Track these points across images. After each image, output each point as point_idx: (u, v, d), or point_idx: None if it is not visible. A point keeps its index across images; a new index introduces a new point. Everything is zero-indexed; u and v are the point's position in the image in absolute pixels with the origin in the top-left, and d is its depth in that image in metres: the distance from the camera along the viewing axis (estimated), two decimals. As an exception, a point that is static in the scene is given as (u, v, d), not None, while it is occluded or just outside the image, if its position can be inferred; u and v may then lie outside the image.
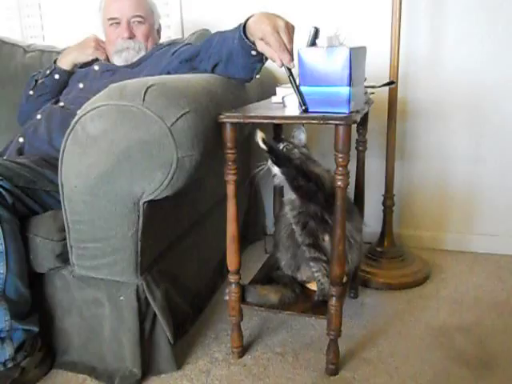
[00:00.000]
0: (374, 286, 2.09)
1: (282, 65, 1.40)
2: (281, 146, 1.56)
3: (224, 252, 1.58)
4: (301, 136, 1.59)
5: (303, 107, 1.34)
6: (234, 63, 1.56)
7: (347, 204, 1.43)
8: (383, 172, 2.17)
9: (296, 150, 1.54)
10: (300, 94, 1.34)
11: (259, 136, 1.42)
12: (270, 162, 1.49)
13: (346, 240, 1.52)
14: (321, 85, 1.34)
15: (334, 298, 1.48)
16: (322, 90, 1.34)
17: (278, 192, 1.88)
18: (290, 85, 1.38)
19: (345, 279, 1.62)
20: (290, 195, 1.58)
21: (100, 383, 1.53)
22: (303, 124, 1.84)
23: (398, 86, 2.05)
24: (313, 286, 1.66)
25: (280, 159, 1.46)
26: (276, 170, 1.50)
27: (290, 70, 1.39)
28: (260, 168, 1.56)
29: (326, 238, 1.56)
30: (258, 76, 1.60)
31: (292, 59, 1.40)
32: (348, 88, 1.32)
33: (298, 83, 1.35)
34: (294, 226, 1.59)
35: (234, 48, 1.51)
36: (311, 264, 1.60)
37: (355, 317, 1.88)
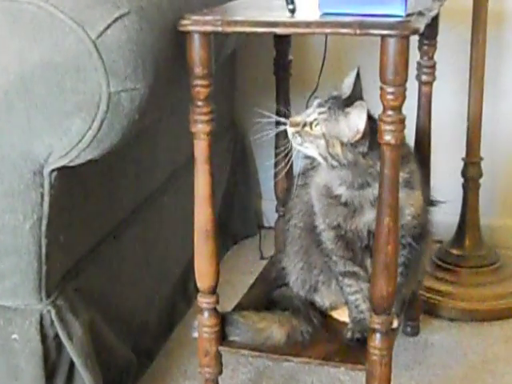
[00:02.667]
0: (446, 315, 2.10)
1: None
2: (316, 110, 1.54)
3: (190, 257, 1.58)
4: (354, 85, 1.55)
5: (289, 6, 1.36)
6: None
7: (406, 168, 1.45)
8: (463, 119, 2.16)
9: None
10: None
11: None
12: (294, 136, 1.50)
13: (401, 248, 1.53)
14: (357, -33, 1.33)
15: (377, 336, 1.49)
16: (360, -23, 1.33)
17: (284, 154, 1.88)
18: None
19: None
20: (320, 176, 1.59)
21: None
22: (326, 37, 1.83)
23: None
24: (341, 316, 1.67)
25: None
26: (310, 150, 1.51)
27: None
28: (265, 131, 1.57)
29: (369, 262, 1.59)
30: None
31: None
32: (404, -28, 1.31)
33: None
34: (319, 221, 1.60)
35: None
36: (345, 281, 1.62)
37: (415, 367, 1.89)
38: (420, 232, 1.61)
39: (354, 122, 1.47)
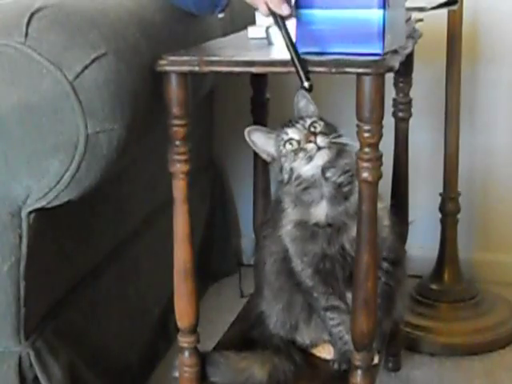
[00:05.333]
0: (426, 350, 2.10)
1: (269, 12, 1.39)
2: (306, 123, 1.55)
3: (170, 297, 1.57)
4: (307, 106, 1.59)
5: (304, 84, 1.32)
6: None
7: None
8: (440, 155, 2.17)
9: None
10: (298, 61, 1.32)
11: None
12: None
13: (380, 272, 1.54)
14: (334, 7, 1.33)
15: (359, 372, 1.48)
16: (336, 16, 1.33)
17: (262, 191, 1.88)
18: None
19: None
20: (291, 218, 1.58)
21: None
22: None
23: (465, 6, 2.07)
24: (322, 352, 1.67)
25: None
26: (309, 169, 1.50)
27: (282, 19, 1.38)
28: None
29: (350, 295, 1.58)
30: (221, 15, 1.60)
31: (287, 1, 1.39)
32: (381, 11, 1.31)
33: (294, 43, 1.34)
34: (296, 262, 1.60)
35: None
36: (328, 314, 1.62)
37: (396, 403, 1.89)
38: (396, 258, 1.62)
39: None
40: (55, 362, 1.51)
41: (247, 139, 1.58)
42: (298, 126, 1.54)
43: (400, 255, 1.67)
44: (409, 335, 2.09)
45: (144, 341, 1.99)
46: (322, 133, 1.50)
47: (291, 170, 1.52)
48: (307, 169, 1.50)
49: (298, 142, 1.51)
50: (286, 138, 1.54)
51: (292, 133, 1.53)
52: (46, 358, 1.49)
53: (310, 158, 1.49)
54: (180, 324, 1.56)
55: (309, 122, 1.53)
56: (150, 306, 2.03)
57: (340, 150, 1.51)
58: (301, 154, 1.50)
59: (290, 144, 1.52)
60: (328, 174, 1.51)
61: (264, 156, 1.59)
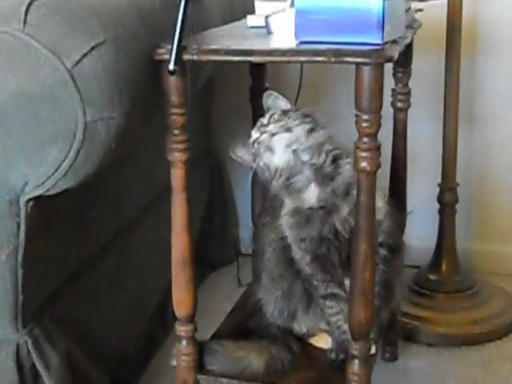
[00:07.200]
0: (424, 340, 2.10)
1: None
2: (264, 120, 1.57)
3: (168, 286, 1.57)
4: (276, 104, 1.61)
5: (169, 66, 1.34)
6: None
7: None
8: (439, 145, 2.17)
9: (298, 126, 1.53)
10: (178, 42, 1.33)
11: None
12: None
13: (378, 259, 1.54)
14: (332, -5, 1.34)
15: (356, 362, 1.48)
16: (336, 5, 1.33)
17: (260, 180, 1.88)
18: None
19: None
20: (288, 208, 1.59)
21: None
22: (302, 65, 1.84)
23: (464, -3, 2.07)
24: (319, 342, 1.67)
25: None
26: (277, 161, 1.51)
27: None
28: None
29: (348, 282, 1.58)
30: None
31: None
32: (380, 1, 1.31)
33: (184, 23, 1.35)
34: (295, 250, 1.60)
35: None
36: (327, 303, 1.63)
37: (393, 392, 1.89)
38: (394, 246, 1.62)
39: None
40: (53, 350, 1.51)
41: (234, 157, 1.61)
42: (258, 124, 1.56)
43: (398, 243, 1.68)
44: (406, 325, 2.10)
45: (142, 329, 2.00)
46: (275, 121, 1.53)
47: (266, 166, 1.53)
48: (277, 159, 1.52)
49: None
50: (251, 140, 1.56)
51: (254, 133, 1.56)
52: (43, 346, 1.50)
53: (270, 147, 1.51)
54: (178, 313, 1.56)
55: (267, 116, 1.56)
56: (147, 294, 2.04)
57: (310, 131, 1.52)
58: (261, 148, 1.52)
59: (258, 144, 1.54)
60: (304, 158, 1.52)
61: (254, 165, 1.59)
